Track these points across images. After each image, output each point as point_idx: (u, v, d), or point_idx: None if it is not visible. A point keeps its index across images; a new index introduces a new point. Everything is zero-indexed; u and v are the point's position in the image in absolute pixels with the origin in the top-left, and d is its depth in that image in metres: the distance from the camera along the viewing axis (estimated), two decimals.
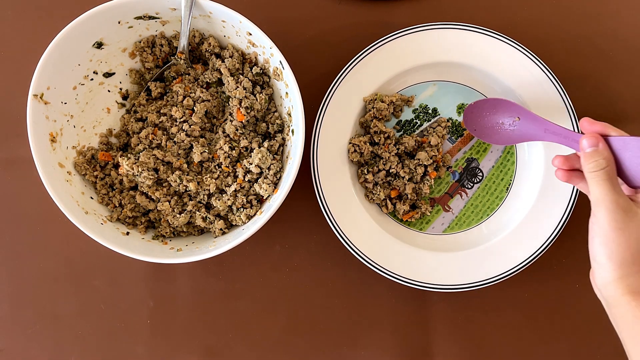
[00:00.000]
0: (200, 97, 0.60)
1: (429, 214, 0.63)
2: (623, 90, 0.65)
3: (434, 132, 0.63)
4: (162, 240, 0.59)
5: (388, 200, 0.62)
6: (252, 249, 0.64)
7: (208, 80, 0.62)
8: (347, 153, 0.62)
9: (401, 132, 0.64)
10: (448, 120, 0.64)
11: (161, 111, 0.61)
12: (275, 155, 0.60)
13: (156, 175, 0.58)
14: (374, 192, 0.62)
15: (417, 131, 0.64)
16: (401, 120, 0.64)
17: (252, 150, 0.60)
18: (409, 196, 0.62)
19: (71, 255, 0.64)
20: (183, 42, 0.59)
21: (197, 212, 0.59)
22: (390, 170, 0.62)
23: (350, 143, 0.62)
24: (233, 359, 0.63)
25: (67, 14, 0.58)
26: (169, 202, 0.59)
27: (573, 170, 0.52)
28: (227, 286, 0.64)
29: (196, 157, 0.59)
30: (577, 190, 0.60)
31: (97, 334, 0.64)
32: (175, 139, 0.60)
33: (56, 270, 0.64)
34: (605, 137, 0.48)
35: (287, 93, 0.58)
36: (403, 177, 0.62)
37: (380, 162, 0.62)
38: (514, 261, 0.60)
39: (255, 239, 0.64)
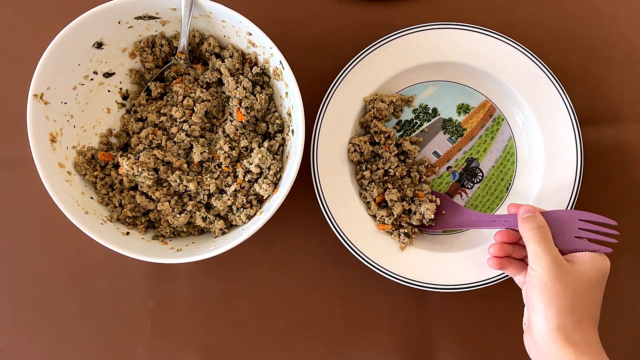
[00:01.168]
0: (200, 97, 0.60)
1: (405, 243, 0.61)
2: (623, 90, 0.65)
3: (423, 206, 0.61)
4: (162, 240, 0.59)
5: (373, 202, 0.61)
6: (252, 249, 0.64)
7: (208, 80, 0.62)
8: (347, 153, 0.62)
9: (401, 132, 0.64)
10: (448, 120, 0.64)
11: (161, 111, 0.61)
12: (275, 155, 0.60)
13: (156, 175, 0.58)
14: (368, 189, 0.61)
15: (417, 131, 0.64)
16: (401, 120, 0.64)
17: (252, 150, 0.60)
18: (396, 213, 0.61)
19: (71, 255, 0.64)
20: (183, 42, 0.59)
21: (197, 212, 0.59)
22: (389, 171, 0.62)
23: (350, 143, 0.62)
24: (233, 359, 0.63)
25: (67, 14, 0.58)
26: (169, 202, 0.59)
27: (504, 257, 0.55)
28: (227, 286, 0.64)
29: (196, 157, 0.59)
30: (577, 191, 0.60)
31: (97, 334, 0.64)
32: (175, 139, 0.60)
33: (56, 270, 0.64)
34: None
35: (287, 93, 0.58)
36: (400, 186, 0.62)
37: (380, 162, 0.62)
38: None
39: (255, 239, 0.64)
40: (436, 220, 0.61)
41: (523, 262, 0.55)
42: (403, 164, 0.62)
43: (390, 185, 0.61)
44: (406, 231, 0.61)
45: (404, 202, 0.61)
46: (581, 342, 0.46)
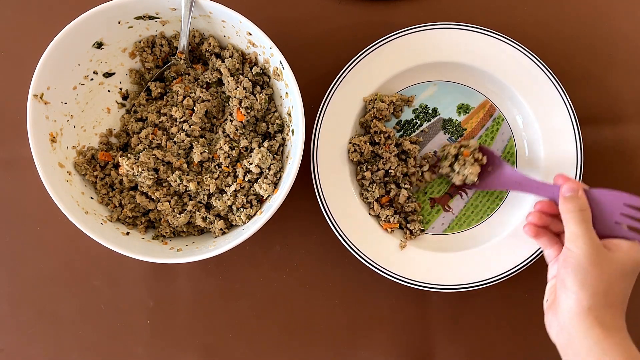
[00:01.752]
0: (200, 97, 0.60)
1: (419, 233, 0.62)
2: (623, 90, 0.65)
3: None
4: (162, 240, 0.59)
5: (375, 202, 0.61)
6: (252, 249, 0.64)
7: (208, 80, 0.62)
8: (347, 153, 0.62)
9: (401, 132, 0.64)
10: (448, 120, 0.64)
11: (161, 111, 0.61)
12: (275, 155, 0.60)
13: (156, 175, 0.58)
14: (369, 189, 0.61)
15: (417, 131, 0.64)
16: (401, 120, 0.64)
17: (252, 150, 0.60)
18: (403, 207, 0.61)
19: (71, 255, 0.64)
20: (183, 42, 0.59)
21: (197, 212, 0.59)
22: (390, 171, 0.62)
23: (350, 143, 0.62)
24: (233, 359, 0.63)
25: (67, 14, 0.58)
26: (169, 202, 0.59)
27: (540, 227, 0.54)
28: (227, 286, 0.64)
29: (196, 157, 0.59)
30: None
31: (97, 334, 0.64)
32: (175, 139, 0.60)
33: (56, 270, 0.64)
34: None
35: (287, 93, 0.58)
36: (400, 185, 0.62)
37: (380, 162, 0.62)
38: (514, 261, 0.60)
39: (255, 239, 0.64)
40: (480, 178, 0.60)
41: (558, 236, 0.54)
42: (404, 163, 0.62)
43: (393, 186, 0.62)
44: (411, 228, 0.61)
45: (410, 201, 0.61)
46: (610, 324, 0.46)
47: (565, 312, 0.47)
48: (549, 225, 0.54)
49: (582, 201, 0.50)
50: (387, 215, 0.61)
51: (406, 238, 0.61)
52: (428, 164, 0.63)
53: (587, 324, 0.45)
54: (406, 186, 0.62)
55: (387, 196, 0.61)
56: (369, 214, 0.62)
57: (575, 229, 0.48)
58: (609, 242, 0.49)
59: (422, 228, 0.62)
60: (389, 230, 0.61)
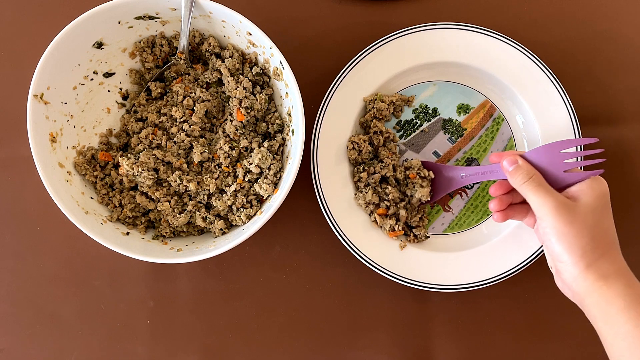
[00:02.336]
0: (200, 97, 0.60)
1: (424, 238, 0.62)
2: (623, 90, 0.65)
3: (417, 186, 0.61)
4: (162, 240, 0.59)
5: (377, 216, 0.60)
6: (252, 249, 0.64)
7: (208, 80, 0.62)
8: (347, 150, 0.62)
9: (401, 132, 0.64)
10: (448, 120, 0.64)
11: (161, 111, 0.61)
12: (275, 155, 0.60)
13: (156, 175, 0.58)
14: (363, 191, 0.61)
15: (417, 131, 0.64)
16: (401, 120, 0.64)
17: (252, 150, 0.60)
18: (402, 217, 0.61)
19: (71, 255, 0.64)
20: (183, 42, 0.59)
21: (197, 212, 0.59)
22: (387, 176, 0.61)
23: (349, 140, 0.61)
24: (233, 359, 0.63)
25: (67, 14, 0.58)
26: (169, 202, 0.59)
27: (506, 209, 0.54)
28: (227, 286, 0.64)
29: (196, 157, 0.59)
30: None
31: (97, 334, 0.64)
32: (175, 139, 0.60)
33: (56, 270, 0.64)
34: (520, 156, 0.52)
35: (287, 93, 0.58)
36: (398, 193, 0.62)
37: (379, 165, 0.61)
38: (514, 261, 0.60)
39: (255, 239, 0.64)
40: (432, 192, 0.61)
41: (524, 205, 0.54)
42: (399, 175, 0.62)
43: (385, 199, 0.61)
44: (417, 233, 0.61)
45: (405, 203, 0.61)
46: (611, 271, 0.46)
47: (569, 279, 0.48)
48: (512, 202, 0.54)
49: (527, 167, 0.50)
50: (391, 225, 0.60)
51: (409, 241, 0.61)
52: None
53: (590, 281, 0.46)
54: (404, 206, 0.61)
55: (383, 209, 0.61)
56: (369, 217, 0.62)
57: (535, 198, 0.48)
58: (569, 193, 0.49)
59: (427, 234, 0.62)
60: (395, 237, 0.61)
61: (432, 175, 0.61)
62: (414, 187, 0.60)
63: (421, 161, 0.61)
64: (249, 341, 0.64)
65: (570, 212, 0.47)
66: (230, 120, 0.60)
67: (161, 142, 0.60)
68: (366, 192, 0.60)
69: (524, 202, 0.54)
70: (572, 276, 0.47)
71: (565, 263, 0.47)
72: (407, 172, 0.60)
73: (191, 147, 0.60)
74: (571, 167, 0.50)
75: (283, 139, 0.61)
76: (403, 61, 0.62)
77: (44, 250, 0.65)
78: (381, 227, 0.61)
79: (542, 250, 0.60)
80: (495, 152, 0.54)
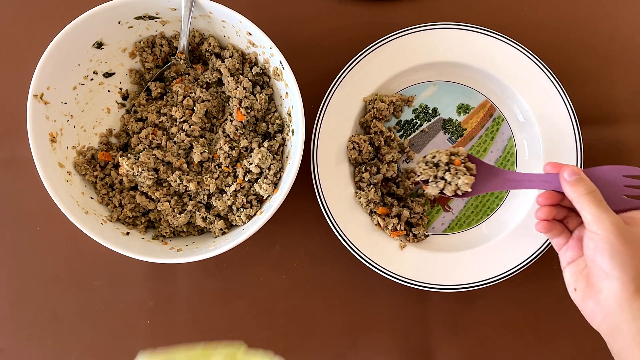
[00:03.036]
0: (200, 97, 0.60)
1: (423, 237, 0.62)
2: (623, 90, 0.65)
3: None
4: (162, 240, 0.59)
5: (378, 217, 0.61)
6: (252, 249, 0.64)
7: (208, 80, 0.62)
8: (347, 150, 0.62)
9: (401, 132, 0.64)
10: (448, 120, 0.64)
11: (161, 111, 0.61)
12: (275, 155, 0.60)
13: (156, 175, 0.58)
14: (365, 190, 0.61)
15: (417, 131, 0.64)
16: (401, 120, 0.64)
17: (252, 150, 0.60)
18: (404, 217, 0.61)
19: (71, 255, 0.64)
20: (183, 42, 0.59)
21: (197, 212, 0.59)
22: (392, 177, 0.61)
23: (349, 140, 0.62)
24: None
25: (67, 14, 0.58)
26: (169, 202, 0.59)
27: (551, 220, 0.52)
28: (227, 286, 0.64)
29: (196, 157, 0.59)
30: None
31: (97, 334, 0.64)
32: (175, 139, 0.60)
33: (56, 270, 0.64)
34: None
35: (287, 93, 0.58)
36: (399, 195, 0.62)
37: (384, 166, 0.61)
38: (514, 261, 0.60)
39: (255, 239, 0.64)
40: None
41: (563, 224, 0.52)
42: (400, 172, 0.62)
43: (394, 202, 0.62)
44: (416, 233, 0.61)
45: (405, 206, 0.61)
46: None
47: (611, 298, 0.45)
48: (555, 215, 0.52)
49: (589, 182, 0.48)
50: (394, 224, 0.60)
51: (409, 241, 0.61)
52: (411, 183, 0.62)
53: (636, 306, 0.44)
54: (408, 205, 0.62)
55: (384, 208, 0.61)
56: (372, 221, 0.62)
57: (594, 211, 0.46)
58: (624, 217, 0.48)
59: (426, 233, 0.62)
60: (397, 237, 0.61)
61: (475, 171, 0.55)
62: (456, 173, 0.54)
63: (468, 155, 0.56)
64: (249, 341, 0.63)
65: (627, 233, 0.45)
66: (230, 120, 0.60)
67: (161, 142, 0.60)
68: (368, 191, 0.60)
69: (562, 221, 0.53)
70: (617, 297, 0.45)
71: (613, 281, 0.45)
72: (452, 158, 0.55)
73: (191, 147, 0.60)
74: (631, 194, 0.50)
75: (283, 139, 0.61)
76: (403, 61, 0.62)
77: (44, 250, 0.65)
78: (385, 227, 0.61)
79: (542, 251, 0.60)
80: (551, 162, 0.51)
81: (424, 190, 0.63)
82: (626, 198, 0.50)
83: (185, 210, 0.59)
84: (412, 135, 0.64)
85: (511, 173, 0.55)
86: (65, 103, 0.58)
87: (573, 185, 0.48)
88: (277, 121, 0.61)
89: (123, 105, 0.64)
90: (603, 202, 0.47)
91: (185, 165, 0.59)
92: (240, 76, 0.60)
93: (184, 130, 0.60)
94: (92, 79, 0.61)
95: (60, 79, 0.57)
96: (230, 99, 0.60)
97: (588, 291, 0.48)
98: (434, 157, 0.55)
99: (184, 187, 0.59)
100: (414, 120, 0.64)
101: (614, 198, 0.50)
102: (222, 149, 0.59)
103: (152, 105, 0.62)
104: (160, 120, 0.61)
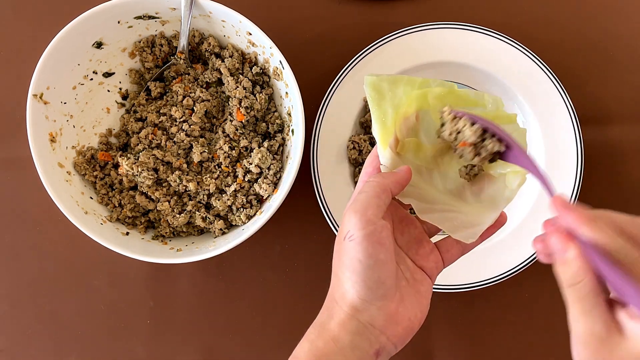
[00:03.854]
0: (200, 97, 0.60)
1: None
2: (623, 90, 0.65)
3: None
4: (162, 240, 0.59)
5: None
6: (252, 249, 0.64)
7: (208, 80, 0.62)
8: (347, 150, 0.62)
9: None
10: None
11: (161, 111, 0.61)
12: (275, 155, 0.60)
13: (156, 175, 0.58)
14: None
15: None
16: None
17: (252, 150, 0.60)
18: None
19: (71, 255, 0.64)
20: (183, 42, 0.59)
21: (196, 212, 0.59)
22: None
23: (349, 140, 0.61)
24: (233, 359, 0.63)
25: (67, 14, 0.58)
26: (169, 202, 0.59)
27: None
28: (227, 286, 0.64)
29: (196, 157, 0.59)
30: (577, 191, 0.60)
31: (97, 334, 0.64)
32: (175, 139, 0.60)
33: (56, 270, 0.64)
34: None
35: (287, 93, 0.58)
36: None
37: None
38: (514, 261, 0.60)
39: (255, 239, 0.64)
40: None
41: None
42: None
43: None
44: None
45: None
46: None
47: None
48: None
49: (577, 267, 0.34)
50: None
51: None
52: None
53: None
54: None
55: None
56: None
57: (573, 310, 0.35)
58: (626, 313, 0.34)
59: None
60: None
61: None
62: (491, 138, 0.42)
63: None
64: (249, 341, 0.64)
65: (604, 347, 0.34)
66: (230, 120, 0.60)
67: (161, 142, 0.60)
68: None
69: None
70: None
71: None
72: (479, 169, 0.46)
73: (191, 147, 0.60)
74: None
75: (283, 138, 0.61)
76: (404, 61, 0.62)
77: (44, 250, 0.65)
78: None
79: None
80: (561, 199, 0.35)
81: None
82: None
83: (185, 210, 0.59)
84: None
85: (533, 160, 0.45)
86: (65, 103, 0.58)
87: (559, 266, 0.35)
88: (277, 121, 0.61)
89: (123, 105, 0.64)
90: (588, 298, 0.34)
91: (185, 165, 0.59)
92: (240, 76, 0.60)
93: (183, 130, 0.60)
94: (91, 79, 0.61)
95: (60, 78, 0.57)
96: (230, 99, 0.60)
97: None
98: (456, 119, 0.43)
99: (184, 187, 0.59)
100: None
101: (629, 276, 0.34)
102: (222, 149, 0.59)
103: (151, 105, 0.62)
104: (160, 120, 0.61)
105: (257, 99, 0.59)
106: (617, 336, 0.34)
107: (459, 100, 0.44)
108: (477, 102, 0.44)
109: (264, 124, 0.61)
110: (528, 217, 0.61)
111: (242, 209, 0.59)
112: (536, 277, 0.63)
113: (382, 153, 0.43)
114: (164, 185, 0.59)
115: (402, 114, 0.43)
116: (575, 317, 0.35)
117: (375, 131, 0.43)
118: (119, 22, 0.58)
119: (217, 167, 0.60)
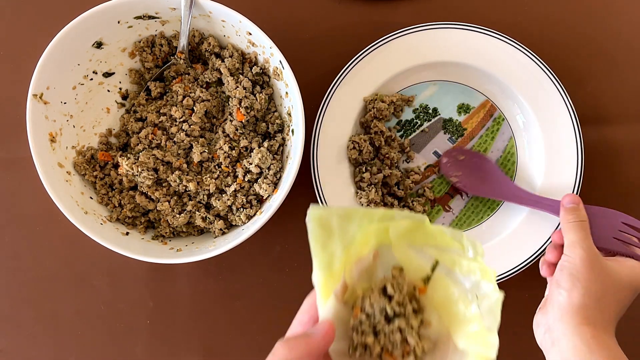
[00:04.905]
0: (200, 97, 0.60)
1: None
2: (623, 90, 0.65)
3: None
4: (161, 241, 0.59)
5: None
6: (252, 249, 0.64)
7: (208, 80, 0.62)
8: (347, 150, 0.62)
9: (401, 132, 0.64)
10: (448, 120, 0.64)
11: (161, 111, 0.61)
12: (275, 155, 0.60)
13: (156, 175, 0.58)
14: (365, 190, 0.61)
15: (417, 131, 0.64)
16: (401, 120, 0.64)
17: (252, 150, 0.60)
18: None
19: (71, 255, 0.64)
20: (183, 42, 0.59)
21: (196, 212, 0.59)
22: (394, 182, 0.62)
23: (350, 140, 0.61)
24: (233, 359, 0.63)
25: (67, 14, 0.58)
26: (169, 202, 0.59)
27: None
28: (226, 286, 0.64)
29: (196, 157, 0.59)
30: (578, 191, 0.60)
31: (97, 334, 0.64)
32: (175, 139, 0.60)
33: (56, 270, 0.64)
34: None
35: (287, 93, 0.58)
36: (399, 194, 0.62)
37: (386, 168, 0.61)
38: (514, 261, 0.60)
39: (255, 239, 0.64)
40: (472, 183, 0.62)
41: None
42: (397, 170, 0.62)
43: (390, 199, 0.62)
44: None
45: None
46: (599, 325, 0.45)
47: (556, 309, 0.47)
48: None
49: (582, 213, 0.52)
50: None
51: None
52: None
53: (576, 321, 0.45)
54: (409, 204, 0.62)
55: (384, 207, 0.61)
56: None
57: (573, 237, 0.49)
58: (612, 259, 0.50)
59: None
60: None
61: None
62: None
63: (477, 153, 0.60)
64: (249, 341, 0.64)
65: (596, 261, 0.47)
66: (230, 120, 0.60)
67: (161, 142, 0.60)
68: (369, 191, 0.60)
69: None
70: (561, 309, 0.46)
71: (562, 293, 0.47)
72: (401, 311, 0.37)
73: (191, 147, 0.60)
74: (622, 239, 0.53)
75: (283, 138, 0.61)
76: (403, 61, 0.62)
77: (44, 250, 0.65)
78: None
79: (542, 251, 0.60)
80: (569, 195, 0.54)
81: (424, 190, 0.63)
82: (615, 240, 0.53)
83: (185, 210, 0.59)
84: (412, 135, 0.64)
85: (522, 190, 0.60)
86: (65, 103, 0.58)
87: (567, 212, 0.52)
88: (277, 121, 0.61)
89: (123, 105, 0.64)
90: (586, 231, 0.50)
91: (185, 165, 0.59)
92: (240, 76, 0.60)
93: (183, 130, 0.60)
94: (91, 79, 0.60)
95: (59, 78, 0.57)
96: (230, 99, 0.60)
97: (543, 305, 0.50)
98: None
99: (184, 187, 0.59)
100: (415, 120, 0.64)
101: (604, 236, 0.53)
102: (222, 149, 0.59)
103: (151, 105, 0.62)
104: (160, 120, 0.60)
105: (257, 99, 0.59)
106: (615, 262, 0.49)
107: (429, 238, 0.37)
108: (452, 244, 0.37)
109: (264, 124, 0.61)
110: (528, 217, 0.61)
111: (242, 209, 0.59)
112: (536, 277, 0.62)
113: (323, 305, 0.35)
114: (164, 185, 0.59)
115: (355, 254, 0.36)
116: (580, 237, 0.48)
117: (316, 278, 0.35)
118: (119, 22, 0.58)
119: (217, 167, 0.60)
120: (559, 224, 0.59)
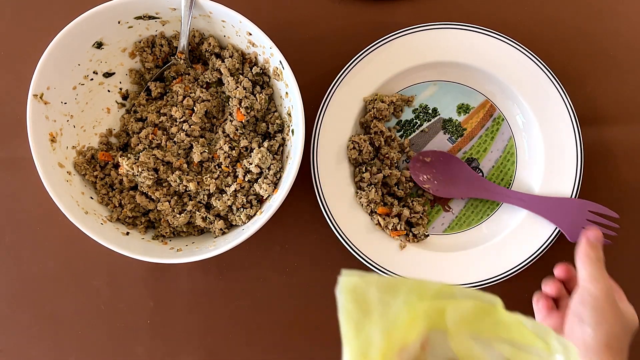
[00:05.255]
0: (200, 97, 0.60)
1: (423, 237, 0.62)
2: (623, 90, 0.65)
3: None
4: (162, 240, 0.59)
5: (379, 216, 0.61)
6: (252, 249, 0.64)
7: (208, 80, 0.62)
8: (347, 150, 0.62)
9: (401, 132, 0.64)
10: (448, 120, 0.64)
11: (161, 111, 0.61)
12: (275, 155, 0.60)
13: (156, 175, 0.58)
14: (365, 190, 0.61)
15: (417, 131, 0.64)
16: (401, 120, 0.64)
17: (252, 150, 0.60)
18: (404, 216, 0.61)
19: (71, 255, 0.64)
20: (183, 42, 0.59)
21: (197, 212, 0.59)
22: (394, 182, 0.62)
23: (349, 140, 0.62)
24: (233, 359, 0.63)
25: (67, 14, 0.58)
26: (169, 202, 0.59)
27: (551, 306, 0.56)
28: (227, 286, 0.64)
29: (196, 157, 0.59)
30: (577, 191, 0.60)
31: (97, 334, 0.64)
32: (175, 139, 0.60)
33: (56, 270, 0.64)
34: None
35: (287, 93, 0.58)
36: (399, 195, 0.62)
37: (386, 168, 0.61)
38: (514, 261, 0.60)
39: (255, 239, 0.64)
40: (442, 185, 0.62)
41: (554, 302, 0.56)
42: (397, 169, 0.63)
43: (394, 201, 0.62)
44: (416, 233, 0.61)
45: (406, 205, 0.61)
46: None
47: (581, 346, 0.47)
48: (552, 304, 0.56)
49: (600, 252, 0.52)
50: (394, 224, 0.60)
51: (409, 241, 0.61)
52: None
53: (605, 357, 0.46)
54: (408, 204, 0.62)
55: (384, 207, 0.61)
56: (372, 221, 0.62)
57: (594, 272, 0.50)
58: (621, 301, 0.52)
59: (426, 233, 0.62)
60: (397, 237, 0.61)
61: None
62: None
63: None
64: (249, 341, 0.64)
65: (615, 302, 0.49)
66: (230, 120, 0.60)
67: (161, 142, 0.60)
68: (369, 191, 0.60)
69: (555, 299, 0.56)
70: (586, 345, 0.47)
71: (587, 329, 0.47)
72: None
73: (191, 147, 0.60)
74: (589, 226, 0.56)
75: (283, 139, 0.61)
76: (403, 61, 0.62)
77: (44, 250, 0.65)
78: (385, 227, 0.61)
79: (542, 251, 0.60)
80: (595, 230, 0.54)
81: (423, 190, 0.63)
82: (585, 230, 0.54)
83: (185, 210, 0.59)
84: (412, 135, 0.64)
85: (488, 183, 0.61)
86: (65, 103, 0.58)
87: (591, 247, 0.52)
88: (277, 121, 0.61)
89: (123, 105, 0.64)
90: (604, 269, 0.51)
91: (185, 165, 0.59)
92: (240, 76, 0.60)
93: (183, 130, 0.60)
94: (92, 79, 0.61)
95: (60, 79, 0.57)
96: (230, 99, 0.60)
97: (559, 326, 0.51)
98: None
99: (184, 187, 0.59)
100: (414, 120, 0.64)
101: (575, 228, 0.57)
102: (222, 149, 0.59)
103: (152, 105, 0.62)
104: (160, 120, 0.61)
105: (257, 99, 0.59)
106: (621, 303, 0.50)
107: (501, 329, 0.29)
108: (533, 341, 0.29)
109: (264, 124, 0.61)
110: (528, 217, 0.61)
111: (242, 209, 0.59)
112: (536, 277, 0.62)
113: None
114: (164, 185, 0.59)
115: (398, 340, 0.27)
116: (595, 277, 0.49)
117: None
118: (119, 22, 0.58)
119: (217, 167, 0.60)
120: (556, 228, 0.59)
